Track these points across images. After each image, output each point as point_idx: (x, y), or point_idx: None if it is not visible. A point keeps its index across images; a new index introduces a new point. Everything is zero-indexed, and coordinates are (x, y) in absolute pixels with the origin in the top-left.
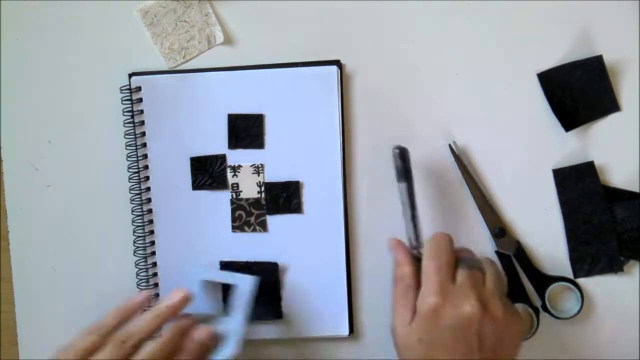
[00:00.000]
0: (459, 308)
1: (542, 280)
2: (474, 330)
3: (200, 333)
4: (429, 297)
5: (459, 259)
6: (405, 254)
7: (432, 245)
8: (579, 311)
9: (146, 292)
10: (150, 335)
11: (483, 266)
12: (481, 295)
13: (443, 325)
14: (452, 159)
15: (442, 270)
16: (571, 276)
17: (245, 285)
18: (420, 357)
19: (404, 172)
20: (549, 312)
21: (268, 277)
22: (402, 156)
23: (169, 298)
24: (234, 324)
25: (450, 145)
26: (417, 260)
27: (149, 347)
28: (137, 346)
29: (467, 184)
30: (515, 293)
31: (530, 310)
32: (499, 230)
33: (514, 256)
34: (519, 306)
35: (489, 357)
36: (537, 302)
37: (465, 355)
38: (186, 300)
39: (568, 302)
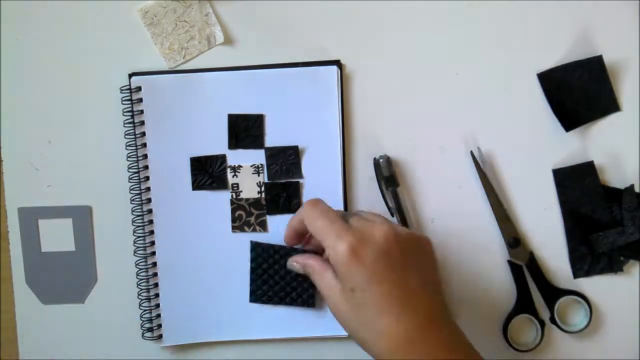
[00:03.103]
0: (371, 235)
1: (552, 293)
2: (396, 248)
3: None
4: (338, 244)
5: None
6: (300, 256)
7: (307, 209)
8: (587, 325)
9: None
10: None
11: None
12: (383, 219)
13: (367, 259)
14: (451, 158)
15: (334, 219)
16: (580, 289)
17: None
18: (361, 307)
19: (392, 178)
20: (557, 325)
21: None
22: (389, 163)
23: None
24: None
25: (472, 152)
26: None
27: None
28: None
29: (486, 192)
30: (523, 304)
31: (536, 322)
32: (513, 240)
33: (526, 267)
34: (525, 317)
35: (422, 276)
36: (544, 314)
37: (403, 278)
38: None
39: (576, 316)
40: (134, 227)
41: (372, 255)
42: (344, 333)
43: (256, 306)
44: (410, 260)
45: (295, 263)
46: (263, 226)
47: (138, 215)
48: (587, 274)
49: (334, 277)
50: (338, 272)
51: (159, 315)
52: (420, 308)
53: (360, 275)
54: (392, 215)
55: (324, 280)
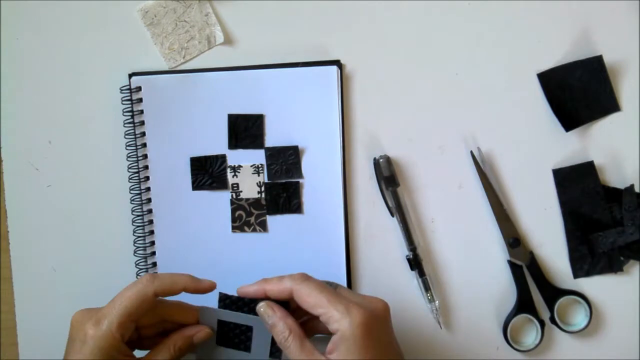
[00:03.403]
0: (377, 309)
1: (552, 293)
2: (390, 322)
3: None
4: (353, 318)
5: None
6: (277, 308)
7: (300, 282)
8: (587, 325)
9: (211, 283)
10: (168, 291)
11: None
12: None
13: (379, 334)
14: (451, 158)
15: (335, 294)
16: (580, 289)
17: (263, 327)
18: None
19: (392, 178)
20: (557, 325)
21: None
22: (389, 163)
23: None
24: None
25: (472, 152)
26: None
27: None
28: None
29: (486, 192)
30: (523, 304)
31: (536, 322)
32: (513, 240)
33: (526, 267)
34: (525, 317)
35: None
36: (544, 314)
37: (397, 350)
38: (211, 288)
39: (577, 316)
40: (134, 227)
41: (379, 329)
42: None
43: None
44: (393, 333)
45: (271, 311)
46: (263, 226)
47: (138, 215)
48: (587, 274)
49: (317, 350)
50: (346, 346)
51: None
52: None
53: (371, 350)
54: (392, 215)
55: (304, 351)
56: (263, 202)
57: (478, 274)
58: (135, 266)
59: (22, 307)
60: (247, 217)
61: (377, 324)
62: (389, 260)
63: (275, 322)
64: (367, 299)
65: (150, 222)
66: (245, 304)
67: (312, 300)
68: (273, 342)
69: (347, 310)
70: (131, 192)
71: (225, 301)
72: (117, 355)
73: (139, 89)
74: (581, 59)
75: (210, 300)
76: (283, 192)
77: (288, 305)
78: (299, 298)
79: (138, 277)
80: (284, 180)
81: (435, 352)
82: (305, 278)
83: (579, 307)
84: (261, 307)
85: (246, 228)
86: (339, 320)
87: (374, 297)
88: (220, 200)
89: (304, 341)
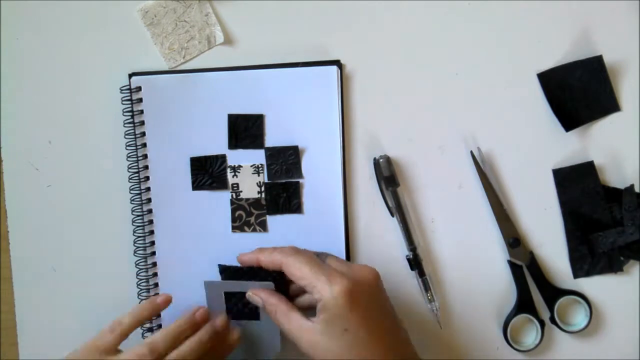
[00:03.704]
0: (363, 278)
1: (552, 293)
2: (382, 291)
3: (234, 337)
4: (334, 288)
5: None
6: (262, 291)
7: (289, 256)
8: (587, 325)
9: (165, 295)
10: (173, 347)
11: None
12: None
13: (362, 302)
14: (451, 158)
15: (321, 264)
16: (580, 289)
17: None
18: (354, 347)
19: (392, 178)
20: (557, 325)
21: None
22: (389, 163)
23: (193, 313)
24: (268, 327)
25: (472, 152)
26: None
27: (183, 347)
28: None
29: (486, 192)
30: (523, 304)
31: (536, 322)
32: (513, 240)
33: (526, 267)
34: (525, 317)
35: (395, 316)
36: (544, 314)
37: (388, 319)
38: (206, 316)
39: (577, 316)
40: (134, 227)
41: (366, 297)
42: None
43: None
44: (387, 302)
45: (257, 296)
46: (263, 226)
47: (138, 215)
48: (587, 274)
49: (304, 317)
50: (328, 314)
51: (159, 315)
52: (399, 348)
53: (355, 317)
54: (392, 215)
55: (292, 321)
56: (263, 202)
57: (478, 274)
58: (135, 266)
59: (22, 307)
60: (247, 217)
61: (363, 292)
62: (389, 260)
63: (263, 304)
64: (354, 268)
65: (150, 222)
66: (245, 272)
67: (298, 273)
68: None
69: (329, 280)
70: (131, 192)
71: (226, 272)
72: None
73: (139, 89)
74: (581, 59)
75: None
76: (283, 192)
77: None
78: (287, 271)
79: (138, 277)
80: (284, 180)
81: (435, 352)
82: (295, 252)
83: (579, 307)
84: (249, 296)
85: (246, 228)
86: (321, 290)
87: (363, 266)
88: (220, 200)
89: (291, 313)
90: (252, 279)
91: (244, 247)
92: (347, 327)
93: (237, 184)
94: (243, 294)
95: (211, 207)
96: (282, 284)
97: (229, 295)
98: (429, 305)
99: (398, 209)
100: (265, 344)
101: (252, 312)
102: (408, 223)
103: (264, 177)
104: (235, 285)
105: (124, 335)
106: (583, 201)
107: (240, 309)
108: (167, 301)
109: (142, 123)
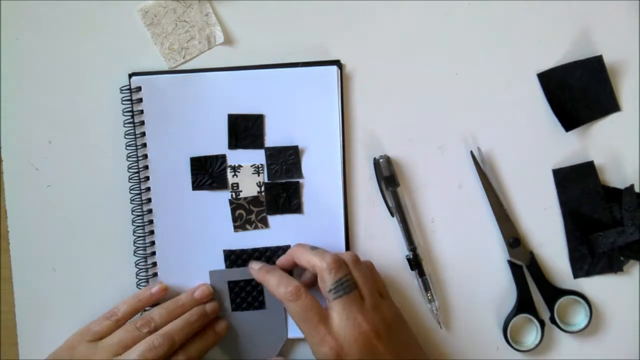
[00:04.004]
0: (351, 339)
1: (552, 293)
2: (380, 343)
3: (221, 326)
4: (321, 347)
5: (326, 289)
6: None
7: (291, 305)
8: (587, 325)
9: (162, 284)
10: (167, 324)
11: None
12: (359, 311)
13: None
14: (451, 158)
15: (315, 326)
16: (580, 289)
17: None
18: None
19: (392, 178)
20: (557, 325)
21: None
22: (389, 163)
23: (193, 290)
24: (274, 316)
25: (472, 152)
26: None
27: (171, 324)
28: (151, 332)
29: (486, 192)
30: (523, 304)
31: (536, 322)
32: (513, 240)
33: (526, 267)
34: (525, 317)
35: None
36: (544, 314)
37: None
38: (210, 295)
39: (577, 316)
40: (134, 227)
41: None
42: None
43: None
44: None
45: (251, 269)
46: (264, 222)
47: (138, 215)
48: (587, 274)
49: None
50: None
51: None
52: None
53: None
54: (392, 215)
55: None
56: (262, 198)
57: (478, 274)
58: (135, 266)
59: (22, 307)
60: (248, 215)
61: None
62: (389, 260)
63: (253, 273)
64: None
65: (150, 222)
66: (250, 255)
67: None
68: None
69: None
70: (131, 192)
71: (230, 257)
72: None
73: (139, 89)
74: (581, 59)
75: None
76: (283, 192)
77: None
78: (297, 259)
79: (138, 277)
80: (284, 180)
81: (435, 352)
82: (300, 244)
83: (579, 307)
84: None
85: (248, 226)
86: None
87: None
88: (220, 200)
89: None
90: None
91: (244, 246)
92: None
93: (237, 183)
94: (247, 282)
95: (211, 207)
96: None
97: (232, 286)
98: (429, 305)
99: (398, 209)
100: (272, 333)
101: (257, 301)
102: (408, 223)
103: (264, 177)
104: (238, 273)
105: (120, 323)
106: (583, 201)
107: (244, 298)
108: (163, 290)
109: (142, 123)
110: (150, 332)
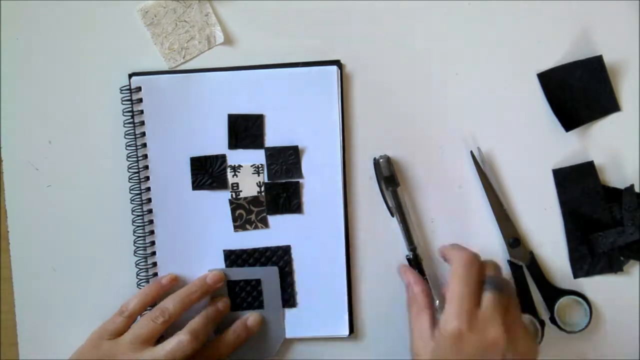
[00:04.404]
0: (483, 335)
1: (552, 293)
2: (498, 356)
3: (253, 319)
4: (453, 320)
5: (485, 278)
6: (413, 274)
7: (461, 267)
8: (587, 325)
9: (171, 275)
10: (181, 313)
11: (509, 288)
12: (506, 321)
13: (466, 351)
14: (451, 158)
15: (469, 296)
16: (580, 289)
17: (270, 276)
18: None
19: (392, 178)
20: (557, 325)
21: (279, 263)
22: (389, 163)
23: (205, 277)
24: (272, 315)
25: (472, 152)
26: (423, 276)
27: (193, 322)
28: (168, 322)
29: (486, 192)
30: (524, 304)
31: (536, 322)
32: (513, 240)
33: (526, 267)
34: (526, 317)
35: None
36: (544, 314)
37: None
38: (220, 282)
39: (576, 316)
40: (134, 227)
41: (473, 349)
42: (344, 333)
43: None
44: None
45: (405, 276)
46: (264, 222)
47: (138, 215)
48: (587, 274)
49: (431, 323)
50: (440, 334)
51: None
52: None
53: (452, 357)
54: (392, 215)
55: (418, 321)
56: (261, 198)
57: None
58: (135, 266)
59: (22, 307)
60: (248, 215)
61: (450, 347)
62: (389, 260)
63: (407, 285)
64: (484, 327)
65: (150, 222)
66: (249, 255)
67: (451, 286)
68: (283, 291)
69: (455, 314)
70: (131, 192)
71: (230, 257)
72: None
73: (139, 89)
74: (581, 59)
75: None
76: (283, 192)
77: None
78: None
79: (138, 277)
80: (284, 180)
81: None
82: (467, 277)
83: (579, 307)
84: (400, 271)
85: (248, 226)
86: (447, 316)
87: (493, 328)
88: (220, 200)
89: (422, 313)
90: (256, 263)
91: (244, 246)
92: None
93: (237, 183)
94: (246, 282)
95: (211, 207)
96: None
97: (232, 285)
98: None
99: (398, 209)
100: (271, 332)
101: (256, 301)
102: (408, 223)
103: (264, 177)
104: (238, 273)
105: (132, 317)
106: (583, 201)
107: (244, 298)
108: (173, 280)
109: (142, 123)
110: (166, 322)
